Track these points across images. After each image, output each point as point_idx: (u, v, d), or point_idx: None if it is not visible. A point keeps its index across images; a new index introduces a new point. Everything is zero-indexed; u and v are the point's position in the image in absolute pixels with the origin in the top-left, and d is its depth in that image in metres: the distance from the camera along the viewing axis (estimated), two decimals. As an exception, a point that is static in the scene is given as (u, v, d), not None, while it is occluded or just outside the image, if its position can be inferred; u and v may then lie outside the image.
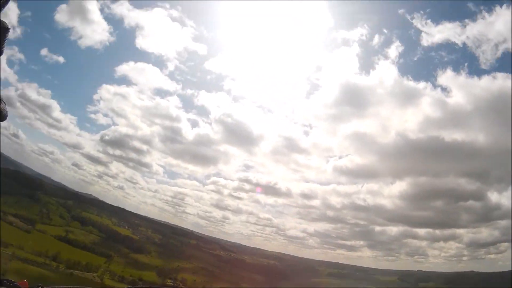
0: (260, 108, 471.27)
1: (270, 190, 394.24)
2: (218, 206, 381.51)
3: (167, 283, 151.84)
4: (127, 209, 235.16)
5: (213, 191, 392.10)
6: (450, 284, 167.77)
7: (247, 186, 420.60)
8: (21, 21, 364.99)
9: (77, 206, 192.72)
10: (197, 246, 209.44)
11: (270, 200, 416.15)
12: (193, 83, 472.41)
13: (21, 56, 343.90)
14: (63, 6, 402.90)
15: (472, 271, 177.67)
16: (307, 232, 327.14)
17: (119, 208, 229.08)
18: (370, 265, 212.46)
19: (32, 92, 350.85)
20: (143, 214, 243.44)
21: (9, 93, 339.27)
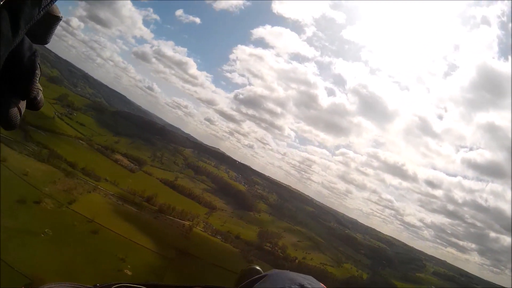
0: (396, 84, 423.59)
1: (397, 171, 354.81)
2: (344, 178, 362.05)
3: (265, 247, 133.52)
4: (253, 168, 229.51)
5: (341, 162, 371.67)
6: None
7: (375, 163, 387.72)
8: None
9: (196, 155, 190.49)
10: (313, 214, 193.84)
11: (395, 181, 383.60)
12: (331, 50, 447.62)
13: (156, 16, 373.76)
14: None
15: None
16: (424, 222, 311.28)
17: (243, 164, 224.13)
18: (474, 272, 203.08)
19: (168, 49, 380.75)
20: (267, 175, 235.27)
21: (144, 49, 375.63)
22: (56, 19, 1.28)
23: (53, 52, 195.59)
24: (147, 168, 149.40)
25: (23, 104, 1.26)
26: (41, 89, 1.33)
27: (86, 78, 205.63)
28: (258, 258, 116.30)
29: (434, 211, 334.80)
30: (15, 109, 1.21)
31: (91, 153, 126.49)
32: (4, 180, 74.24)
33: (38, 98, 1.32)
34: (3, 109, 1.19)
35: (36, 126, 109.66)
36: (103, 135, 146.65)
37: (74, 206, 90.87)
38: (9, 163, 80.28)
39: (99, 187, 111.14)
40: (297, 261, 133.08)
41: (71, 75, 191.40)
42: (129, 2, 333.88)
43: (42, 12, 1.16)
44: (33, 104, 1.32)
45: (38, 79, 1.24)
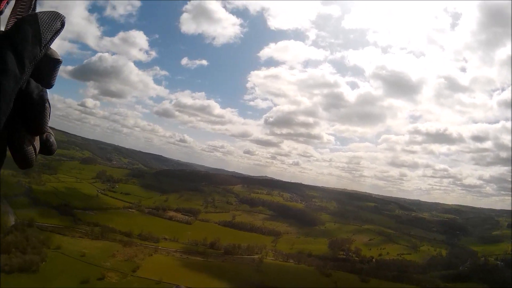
0: (410, 54, 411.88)
1: (441, 137, 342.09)
2: (394, 163, 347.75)
3: (339, 255, 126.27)
4: (305, 183, 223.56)
5: (386, 149, 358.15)
6: None
7: (418, 138, 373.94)
8: (152, 44, 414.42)
9: (246, 189, 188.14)
10: (376, 208, 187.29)
11: (443, 148, 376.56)
12: (338, 45, 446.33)
13: (164, 72, 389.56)
14: (185, 16, 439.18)
15: None
16: (483, 178, 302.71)
17: (294, 183, 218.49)
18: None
19: (187, 98, 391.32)
20: (320, 185, 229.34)
21: (164, 106, 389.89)
22: (57, 62, 1.30)
23: (79, 136, 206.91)
24: (203, 216, 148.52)
25: (37, 142, 1.29)
26: (52, 133, 1.35)
27: (118, 150, 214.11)
28: (335, 269, 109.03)
29: (489, 164, 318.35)
30: (30, 147, 1.24)
31: (144, 218, 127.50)
32: (63, 266, 74.71)
33: (51, 140, 1.35)
34: (18, 146, 1.22)
35: (82, 208, 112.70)
36: (150, 197, 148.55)
37: (139, 272, 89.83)
38: (64, 249, 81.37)
39: (159, 247, 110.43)
40: (374, 260, 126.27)
41: (103, 152, 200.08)
42: (134, 67, 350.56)
43: (43, 51, 1.23)
44: (46, 147, 1.34)
45: (49, 113, 1.26)
